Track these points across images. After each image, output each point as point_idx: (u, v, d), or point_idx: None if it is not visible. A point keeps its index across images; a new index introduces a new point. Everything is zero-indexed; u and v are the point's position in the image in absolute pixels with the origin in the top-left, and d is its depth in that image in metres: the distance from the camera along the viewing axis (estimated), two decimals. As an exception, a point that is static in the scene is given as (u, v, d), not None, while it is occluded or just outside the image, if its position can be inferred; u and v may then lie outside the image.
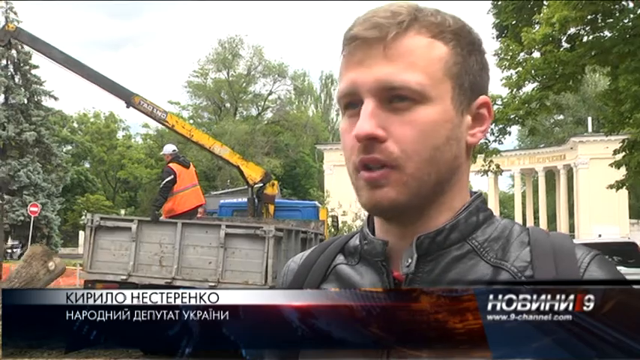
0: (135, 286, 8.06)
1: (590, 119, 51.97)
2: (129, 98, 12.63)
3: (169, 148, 10.68)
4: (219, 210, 13.44)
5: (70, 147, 56.72)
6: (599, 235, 30.76)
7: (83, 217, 9.76)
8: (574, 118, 60.04)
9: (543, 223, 53.44)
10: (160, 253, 8.24)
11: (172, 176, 9.87)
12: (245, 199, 12.77)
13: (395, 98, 0.86)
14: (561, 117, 60.45)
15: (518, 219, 56.04)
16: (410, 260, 0.89)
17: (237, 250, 8.11)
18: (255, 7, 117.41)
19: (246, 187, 14.21)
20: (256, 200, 12.13)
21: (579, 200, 49.85)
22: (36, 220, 30.85)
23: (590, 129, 51.71)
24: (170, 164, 10.22)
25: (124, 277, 8.07)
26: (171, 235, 8.24)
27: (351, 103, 0.90)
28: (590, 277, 0.86)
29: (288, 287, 1.05)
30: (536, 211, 56.84)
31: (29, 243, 23.15)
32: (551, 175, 55.63)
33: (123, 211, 44.21)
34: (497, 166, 17.07)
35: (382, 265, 0.93)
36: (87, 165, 59.24)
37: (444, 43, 0.89)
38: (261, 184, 12.23)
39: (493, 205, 56.53)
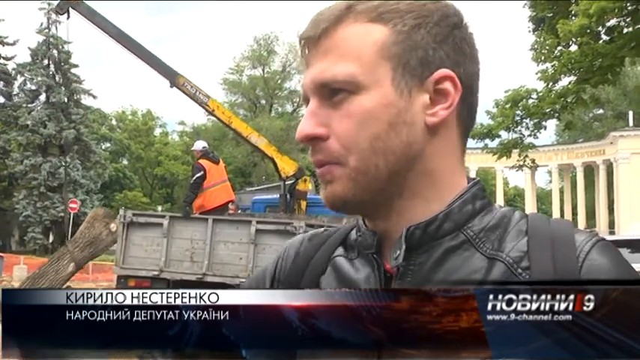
0: (167, 282, 8.14)
1: (631, 113, 50.94)
2: (174, 78, 12.78)
3: (200, 145, 10.80)
4: (252, 206, 13.51)
5: (108, 144, 57.59)
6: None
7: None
8: (614, 112, 58.93)
9: (582, 220, 52.71)
10: (191, 249, 8.28)
11: (202, 172, 10.00)
12: (277, 195, 12.80)
13: (332, 93, 0.83)
14: (601, 111, 59.43)
15: (556, 215, 55.29)
16: (398, 252, 0.85)
17: (268, 246, 8.11)
18: (290, 4, 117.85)
19: (279, 183, 14.28)
20: (288, 196, 12.14)
21: (619, 196, 48.92)
22: (75, 216, 31.38)
23: (631, 123, 50.71)
24: (200, 160, 10.35)
25: (156, 273, 8.13)
26: (202, 231, 8.28)
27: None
28: (590, 265, 0.81)
29: (287, 275, 1.02)
30: (574, 208, 56.04)
31: (68, 239, 23.58)
32: (590, 170, 54.77)
33: (160, 208, 44.69)
34: (533, 160, 16.87)
35: (373, 258, 0.89)
36: (125, 162, 60.12)
37: (382, 25, 0.84)
38: (294, 180, 12.24)
39: (530, 201, 56.02)
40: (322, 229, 1.06)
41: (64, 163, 37.61)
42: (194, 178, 10.20)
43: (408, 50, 0.84)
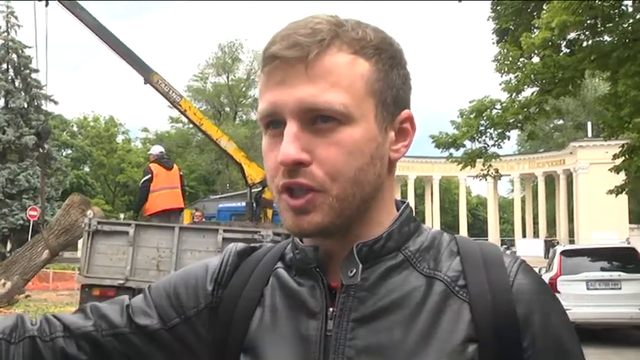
0: (132, 290, 8.04)
1: (589, 124, 52.00)
2: (148, 75, 12.60)
3: (155, 149, 10.91)
4: (218, 214, 13.46)
5: (69, 151, 56.71)
6: (627, 241, 30.72)
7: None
8: (574, 122, 60.10)
9: (543, 229, 53.57)
10: (157, 257, 8.20)
11: (149, 176, 10.17)
12: (244, 204, 12.76)
13: (318, 119, 0.84)
14: (561, 121, 60.54)
15: (518, 224, 56.18)
16: (354, 270, 0.89)
17: (235, 254, 8.09)
18: (255, 11, 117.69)
19: (244, 191, 14.22)
20: (255, 204, 12.11)
21: (579, 205, 49.85)
22: (35, 223, 30.79)
23: (589, 134, 51.75)
24: (150, 164, 10.43)
25: (122, 282, 8.04)
26: (169, 239, 8.21)
27: (273, 122, 0.88)
28: (518, 284, 0.90)
29: (231, 283, 1.01)
30: (535, 216, 56.89)
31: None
32: (550, 179, 55.71)
33: (122, 215, 44.09)
34: (497, 170, 17.08)
35: (316, 271, 0.93)
36: (86, 169, 59.21)
37: (365, 59, 0.87)
38: (261, 188, 12.22)
39: (492, 210, 56.71)
40: (258, 244, 1.09)
41: (38, 169, 36.87)
42: (141, 181, 10.42)
43: (386, 89, 0.89)
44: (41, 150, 15.24)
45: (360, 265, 0.89)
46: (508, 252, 1.01)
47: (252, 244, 1.08)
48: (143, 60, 12.84)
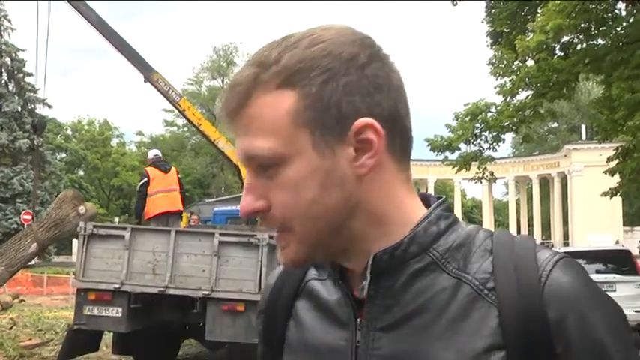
0: (128, 294, 8.02)
1: (583, 127, 52.25)
2: (149, 73, 12.52)
3: (152, 153, 10.91)
4: (213, 217, 13.42)
5: (63, 155, 56.64)
6: (617, 242, 30.78)
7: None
8: (568, 125, 60.37)
9: (537, 231, 53.66)
10: (153, 261, 8.17)
11: (145, 180, 10.21)
12: (239, 207, 12.74)
13: (263, 167, 0.85)
14: (555, 125, 60.77)
15: (513, 226, 56.24)
16: (364, 284, 0.88)
17: (231, 258, 8.06)
18: (250, 15, 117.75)
19: (239, 194, 14.19)
20: (250, 208, 12.10)
21: (573, 208, 50.05)
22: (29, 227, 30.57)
23: (584, 136, 52.02)
24: (147, 168, 10.42)
25: (117, 286, 7.99)
26: (165, 243, 8.17)
27: None
28: (551, 284, 0.83)
29: (266, 304, 1.06)
30: (530, 219, 57.05)
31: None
32: (545, 182, 55.89)
33: (117, 219, 43.99)
34: (492, 173, 17.10)
35: (339, 284, 0.93)
36: (81, 173, 59.17)
37: (290, 89, 0.82)
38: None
39: (487, 212, 56.82)
40: None
41: (32, 173, 36.73)
42: (138, 186, 10.47)
43: (321, 111, 0.83)
44: (37, 141, 15.22)
45: (369, 278, 0.87)
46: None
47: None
48: (144, 58, 12.79)
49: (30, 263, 19.48)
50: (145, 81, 12.56)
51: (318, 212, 0.84)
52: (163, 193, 10.19)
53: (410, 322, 0.86)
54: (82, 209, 10.40)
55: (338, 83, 0.83)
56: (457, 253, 0.88)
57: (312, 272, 1.02)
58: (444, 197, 0.95)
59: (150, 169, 10.42)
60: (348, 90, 0.83)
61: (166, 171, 10.42)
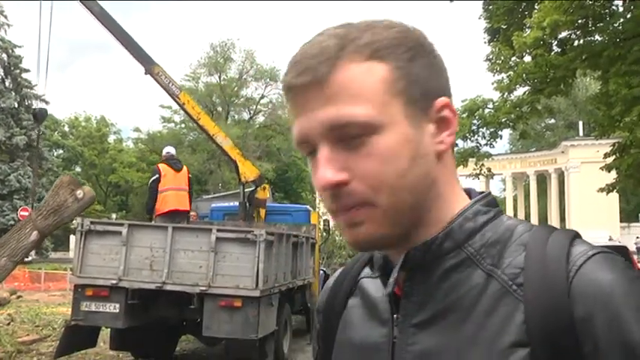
0: (125, 290, 8.03)
1: (581, 123, 52.25)
2: (150, 66, 12.46)
3: (165, 150, 10.93)
4: (211, 214, 13.41)
5: (61, 151, 56.60)
6: (610, 239, 30.85)
7: (74, 222, 9.63)
8: (565, 121, 60.42)
9: (535, 227, 53.63)
10: (150, 257, 8.18)
11: (156, 176, 10.22)
12: (236, 203, 12.73)
13: (347, 136, 0.82)
14: (552, 121, 60.83)
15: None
16: (390, 280, 0.89)
17: (228, 254, 8.08)
18: (247, 11, 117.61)
19: (236, 191, 14.18)
20: (248, 204, 12.09)
21: (570, 204, 50.10)
22: (26, 224, 30.59)
23: (581, 133, 52.00)
24: (159, 164, 10.41)
25: (115, 282, 8.01)
26: (162, 239, 8.19)
27: (311, 151, 0.87)
28: (580, 280, 0.79)
29: (324, 304, 1.09)
30: (527, 215, 57.01)
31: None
32: (542, 178, 55.88)
33: (114, 216, 44.02)
34: (489, 169, 17.09)
35: (381, 278, 0.94)
36: (78, 169, 59.03)
37: (381, 62, 0.83)
38: (254, 187, 12.20)
39: (485, 208, 56.83)
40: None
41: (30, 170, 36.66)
42: (149, 182, 10.53)
43: (411, 84, 0.84)
44: (37, 130, 15.25)
45: (396, 274, 0.88)
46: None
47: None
48: (145, 50, 12.72)
49: (27, 259, 19.47)
50: (145, 73, 12.49)
51: (406, 184, 0.83)
52: (173, 191, 10.19)
53: (443, 318, 0.86)
54: (79, 193, 10.35)
55: (421, 62, 0.87)
56: (492, 249, 0.87)
57: (366, 270, 1.03)
58: (489, 192, 0.95)
59: (162, 166, 10.43)
60: (429, 69, 0.88)
61: (178, 170, 10.42)
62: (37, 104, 40.56)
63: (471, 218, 0.89)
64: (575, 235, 0.87)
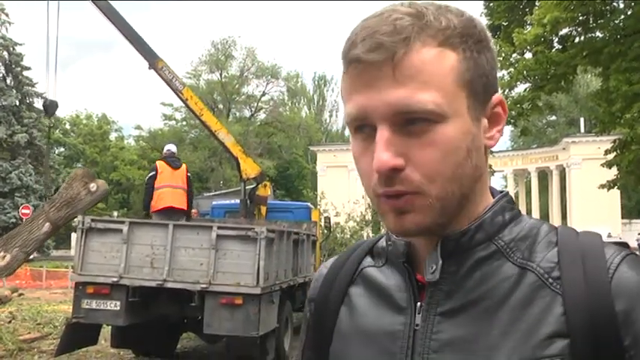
0: (126, 288, 8.04)
1: (582, 120, 52.23)
2: (154, 60, 12.45)
3: (166, 147, 10.89)
4: (212, 211, 13.40)
5: (62, 149, 56.54)
6: (609, 235, 30.84)
7: (75, 220, 9.64)
8: (566, 118, 60.36)
9: (536, 224, 53.59)
10: (151, 254, 8.18)
11: (153, 173, 10.25)
12: (237, 201, 12.73)
13: (410, 121, 0.80)
14: (553, 117, 60.80)
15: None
16: (434, 267, 0.88)
17: (229, 251, 8.08)
18: (248, 9, 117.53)
19: (238, 188, 14.17)
20: (249, 201, 12.09)
21: (572, 201, 50.05)
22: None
23: (582, 129, 51.96)
24: (157, 161, 10.44)
25: (115, 280, 8.01)
26: (163, 236, 8.19)
27: (362, 126, 0.84)
28: (619, 277, 0.83)
29: (318, 292, 1.06)
30: (529, 212, 56.83)
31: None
32: (543, 175, 55.83)
33: (116, 213, 43.98)
34: (490, 166, 17.02)
35: (405, 266, 0.93)
36: (79, 167, 59.00)
37: (452, 50, 0.82)
38: (255, 184, 12.19)
39: (486, 205, 56.81)
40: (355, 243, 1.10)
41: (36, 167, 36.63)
42: (146, 178, 10.63)
43: (477, 77, 0.84)
44: (49, 122, 15.17)
45: (440, 262, 0.88)
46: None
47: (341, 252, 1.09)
48: (150, 45, 12.71)
49: (29, 258, 19.54)
50: (149, 68, 12.48)
51: (459, 175, 0.84)
52: (169, 189, 10.16)
53: (472, 308, 0.86)
54: (93, 186, 10.41)
55: (487, 55, 0.86)
56: (522, 243, 0.89)
57: (368, 260, 1.02)
58: (507, 191, 0.96)
59: (159, 163, 10.43)
60: (492, 63, 0.88)
61: (176, 167, 10.40)
62: (37, 102, 40.58)
63: (500, 213, 0.91)
64: (601, 237, 0.91)
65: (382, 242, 1.00)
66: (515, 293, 0.85)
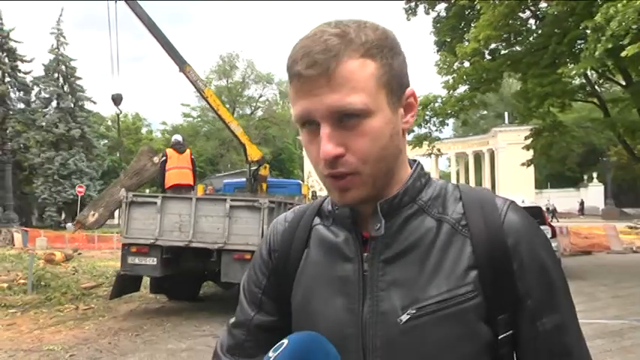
0: (160, 247, 8.02)
1: (506, 113, 52.40)
2: (183, 65, 12.19)
3: (174, 137, 10.77)
4: (224, 188, 13.33)
5: (106, 141, 55.79)
6: (522, 201, 31.10)
7: (121, 195, 9.60)
8: (495, 112, 60.46)
9: (472, 193, 53.84)
10: (179, 221, 8.14)
11: (164, 158, 10.10)
12: (244, 179, 12.68)
13: (345, 117, 0.81)
14: (485, 112, 60.84)
15: (453, 190, 56.44)
16: (379, 225, 0.89)
17: (240, 218, 8.05)
18: (248, 29, 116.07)
19: (243, 170, 14.10)
20: (253, 180, 12.05)
21: (499, 175, 50.45)
22: (82, 198, 30.55)
23: (506, 121, 52.15)
24: (167, 149, 10.37)
25: (152, 241, 7.98)
26: (188, 207, 8.15)
27: (308, 122, 0.84)
28: (508, 220, 0.88)
29: (281, 244, 1.01)
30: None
31: (77, 216, 22.84)
32: (478, 157, 56.12)
33: (147, 190, 43.67)
34: (439, 150, 17.21)
35: (352, 226, 0.92)
36: (118, 155, 58.37)
37: (372, 59, 0.82)
38: (257, 166, 12.14)
39: (434, 180, 56.95)
40: (297, 207, 1.07)
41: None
42: (159, 163, 10.48)
43: (392, 78, 0.85)
44: (117, 113, 14.79)
45: (383, 221, 0.88)
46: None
47: (289, 211, 1.06)
48: (180, 52, 12.45)
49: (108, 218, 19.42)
50: (179, 71, 12.25)
51: (385, 155, 0.85)
52: (176, 170, 10.06)
53: (406, 255, 0.88)
54: (155, 159, 10.32)
55: (399, 59, 0.86)
56: (436, 201, 0.91)
57: (317, 220, 1.00)
58: (419, 161, 0.96)
59: (169, 150, 10.32)
60: (403, 65, 0.88)
61: (181, 152, 10.28)
62: (88, 104, 40.01)
63: (418, 179, 0.93)
64: (490, 190, 0.96)
65: (328, 206, 0.99)
66: (437, 241, 0.88)
